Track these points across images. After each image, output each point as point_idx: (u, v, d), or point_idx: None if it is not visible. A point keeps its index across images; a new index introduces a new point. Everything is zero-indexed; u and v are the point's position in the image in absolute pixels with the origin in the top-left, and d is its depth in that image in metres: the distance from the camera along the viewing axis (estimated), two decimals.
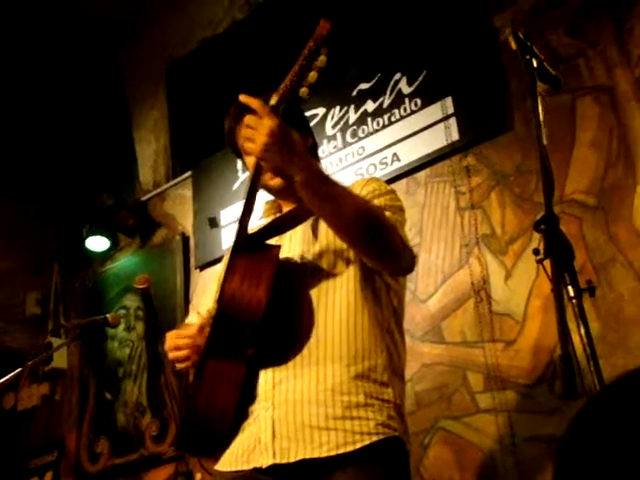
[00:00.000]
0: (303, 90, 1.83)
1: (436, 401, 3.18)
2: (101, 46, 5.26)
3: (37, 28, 4.98)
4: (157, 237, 4.84)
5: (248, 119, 1.73)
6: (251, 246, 1.87)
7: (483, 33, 3.55)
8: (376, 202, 1.94)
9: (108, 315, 3.05)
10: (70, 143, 5.38)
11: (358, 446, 1.73)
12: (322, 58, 1.81)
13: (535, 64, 1.81)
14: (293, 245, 1.96)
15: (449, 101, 3.55)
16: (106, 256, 5.01)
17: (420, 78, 3.71)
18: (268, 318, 1.77)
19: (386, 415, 1.81)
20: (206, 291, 2.36)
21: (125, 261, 4.90)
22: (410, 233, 3.44)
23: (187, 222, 4.65)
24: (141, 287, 2.85)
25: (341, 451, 1.72)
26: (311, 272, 1.92)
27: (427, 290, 3.39)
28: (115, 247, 4.95)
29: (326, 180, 1.79)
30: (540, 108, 1.72)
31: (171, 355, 1.93)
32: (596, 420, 0.91)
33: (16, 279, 5.26)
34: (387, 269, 1.95)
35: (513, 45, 1.83)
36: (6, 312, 5.14)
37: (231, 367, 1.83)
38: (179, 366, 1.95)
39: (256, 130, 1.70)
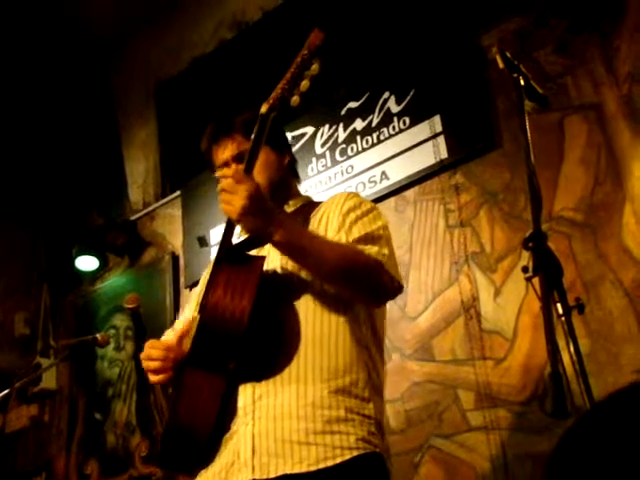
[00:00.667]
0: (294, 99, 1.84)
1: (427, 419, 3.17)
2: (91, 65, 5.27)
3: (27, 48, 4.99)
4: (146, 256, 4.82)
5: (224, 183, 1.73)
6: (234, 258, 1.86)
7: (471, 52, 3.57)
8: (357, 231, 1.93)
9: (97, 335, 3.05)
10: (59, 162, 5.37)
11: (338, 461, 1.72)
12: (315, 67, 1.82)
13: (522, 82, 1.82)
14: (272, 257, 1.95)
15: (437, 119, 3.56)
16: (95, 276, 5.00)
17: (408, 97, 3.73)
18: (250, 330, 1.75)
19: (366, 430, 1.80)
20: (186, 306, 2.35)
21: (114, 281, 4.89)
22: (400, 251, 3.44)
23: (176, 241, 4.64)
24: (130, 307, 2.83)
25: (321, 466, 1.71)
26: (291, 284, 1.92)
27: (417, 308, 3.38)
28: (104, 267, 4.93)
29: (302, 236, 1.81)
30: (528, 126, 1.73)
31: (144, 364, 1.92)
32: (585, 438, 0.91)
33: (5, 299, 5.22)
34: (373, 306, 1.98)
35: (500, 64, 1.84)
36: None
37: (212, 380, 1.80)
38: (151, 378, 1.92)
39: (234, 194, 1.71)
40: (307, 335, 1.86)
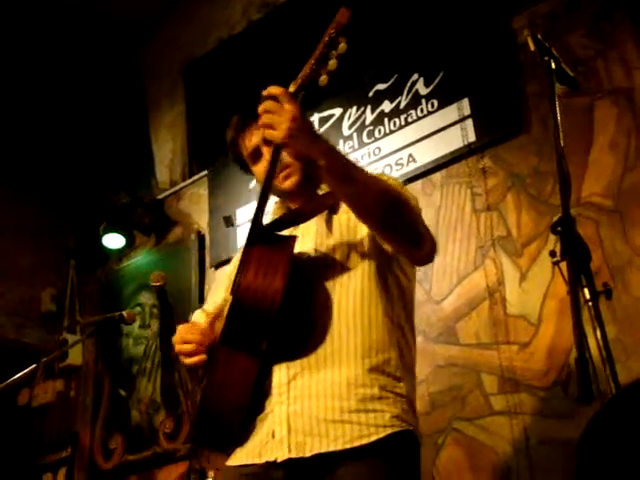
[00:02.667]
0: (323, 78, 1.83)
1: (450, 402, 3.18)
2: (120, 46, 5.28)
3: (58, 29, 5.01)
4: (173, 235, 4.85)
5: (268, 104, 1.71)
6: (266, 238, 1.86)
7: (501, 34, 3.54)
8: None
9: (124, 312, 3.07)
10: (88, 142, 5.41)
11: (373, 439, 1.73)
12: (342, 45, 1.81)
13: (553, 65, 1.81)
14: (306, 238, 1.96)
15: (466, 102, 3.54)
16: (122, 254, 5.04)
17: (437, 79, 3.70)
18: (283, 310, 1.76)
19: (400, 408, 1.81)
20: (218, 287, 2.35)
21: (141, 259, 4.93)
22: None
23: (203, 221, 4.66)
24: (156, 285, 2.85)
25: (356, 444, 1.73)
26: (324, 265, 1.92)
27: (442, 291, 3.38)
28: (131, 245, 4.97)
29: (348, 163, 1.79)
30: (558, 109, 1.72)
31: (178, 348, 1.93)
32: (613, 423, 0.91)
33: (33, 276, 5.29)
34: (410, 252, 1.94)
35: (532, 46, 1.82)
36: (22, 308, 5.17)
37: (245, 360, 1.81)
38: (185, 360, 1.93)
39: (277, 115, 1.69)
40: (340, 314, 1.86)
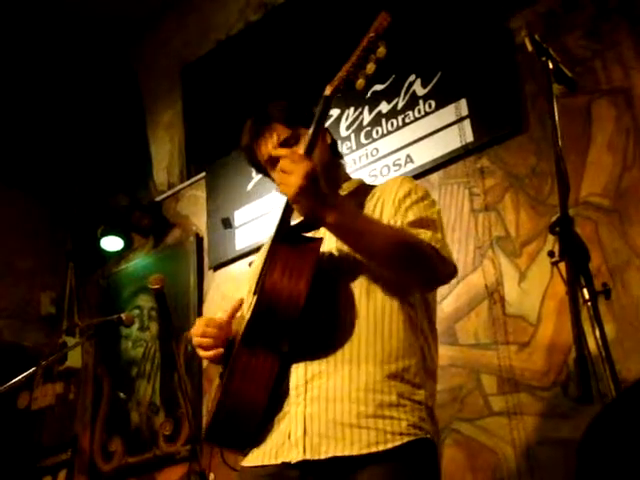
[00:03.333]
0: (360, 82, 1.84)
1: (449, 403, 3.17)
2: (117, 46, 5.29)
3: (54, 29, 5.01)
4: (171, 237, 4.85)
5: (283, 163, 1.74)
6: (291, 239, 1.87)
7: (498, 35, 3.55)
8: (412, 215, 1.92)
9: (122, 315, 3.06)
10: (85, 143, 5.40)
11: (389, 446, 1.73)
12: (381, 50, 1.81)
13: (551, 66, 1.80)
14: (328, 239, 1.94)
15: (463, 103, 3.54)
16: (120, 256, 5.04)
17: (434, 80, 3.71)
18: (306, 312, 1.76)
19: (417, 417, 1.80)
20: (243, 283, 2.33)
21: (139, 261, 4.92)
22: None
23: (201, 223, 4.66)
24: (155, 287, 2.85)
25: (372, 450, 1.72)
26: (347, 266, 1.92)
27: (441, 292, 3.36)
28: (129, 247, 4.97)
29: (357, 218, 1.81)
30: (556, 110, 1.72)
31: (196, 340, 1.94)
32: (614, 424, 0.90)
33: (32, 278, 5.28)
34: (427, 290, 1.99)
35: (529, 47, 1.82)
36: (22, 311, 5.17)
37: (265, 359, 1.82)
38: (202, 353, 1.95)
39: (291, 174, 1.71)
40: (361, 318, 1.86)
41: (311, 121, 2.03)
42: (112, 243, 4.88)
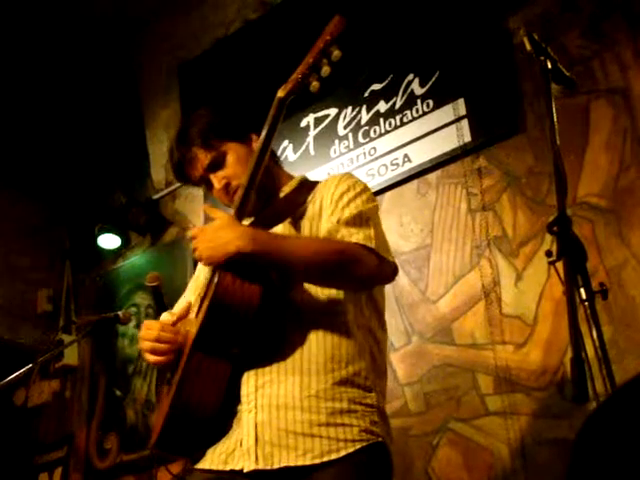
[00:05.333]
0: (314, 84, 1.83)
1: (445, 402, 3.18)
2: (114, 45, 5.27)
3: (52, 27, 5.00)
4: (168, 235, 4.84)
5: (192, 232, 1.84)
6: None
7: (496, 34, 3.54)
8: (348, 212, 1.91)
9: (119, 312, 3.06)
10: (83, 141, 5.39)
11: (342, 454, 1.72)
12: (337, 53, 1.81)
13: (549, 65, 1.81)
14: None
15: (461, 102, 3.54)
16: (117, 254, 5.03)
17: (433, 79, 3.70)
18: (258, 316, 1.75)
19: (369, 421, 1.80)
20: (186, 290, 2.35)
21: (136, 259, 4.92)
22: (421, 234, 3.44)
23: (198, 221, 4.65)
24: (152, 285, 2.84)
25: (325, 459, 1.72)
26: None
27: (438, 291, 3.38)
28: (126, 245, 4.96)
29: (270, 240, 1.80)
30: (554, 110, 1.72)
31: (148, 345, 1.89)
32: (609, 422, 0.90)
33: (28, 276, 5.28)
34: (364, 291, 1.96)
35: (528, 46, 1.83)
36: (18, 308, 5.16)
37: (217, 364, 1.80)
38: (152, 359, 1.90)
39: (196, 241, 1.80)
40: (310, 324, 1.85)
41: (237, 132, 2.06)
42: (109, 241, 4.87)
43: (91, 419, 4.69)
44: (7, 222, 5.25)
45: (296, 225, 1.98)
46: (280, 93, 1.84)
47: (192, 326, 1.89)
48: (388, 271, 1.92)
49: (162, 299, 2.94)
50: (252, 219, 2.04)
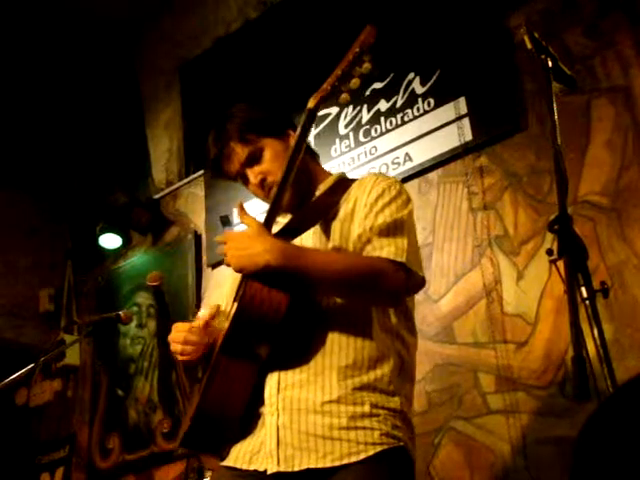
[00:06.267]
0: (344, 96, 1.83)
1: (447, 401, 3.18)
2: (115, 45, 5.28)
3: (53, 27, 5.00)
4: (169, 235, 4.85)
5: (223, 237, 1.83)
6: None
7: (497, 33, 3.54)
8: (382, 219, 1.90)
9: (120, 312, 3.07)
10: (84, 141, 5.40)
11: (362, 457, 1.73)
12: (367, 65, 1.79)
13: (550, 64, 1.80)
14: (305, 244, 1.94)
15: (462, 101, 3.54)
16: (119, 254, 5.04)
17: (434, 78, 3.70)
18: (286, 321, 1.76)
19: (391, 425, 1.79)
20: (220, 287, 2.35)
21: (137, 259, 4.92)
22: (423, 233, 3.44)
23: (199, 220, 4.65)
24: (153, 284, 2.86)
25: (345, 462, 1.72)
26: None
27: (439, 290, 3.38)
28: (128, 245, 4.97)
29: (298, 255, 1.79)
30: (555, 108, 1.72)
31: (177, 347, 1.93)
32: (611, 421, 0.90)
33: (30, 276, 5.28)
34: (392, 307, 1.95)
35: (528, 44, 1.82)
36: (20, 308, 5.16)
37: (244, 367, 1.82)
38: (180, 358, 1.94)
39: (227, 249, 1.79)
40: (333, 328, 1.85)
41: (275, 128, 2.05)
42: (110, 241, 4.88)
43: (93, 419, 4.70)
44: (9, 222, 5.26)
45: (327, 227, 1.97)
46: (310, 104, 1.84)
47: (222, 328, 1.91)
48: (415, 285, 1.92)
49: (163, 298, 2.95)
50: (287, 216, 2.05)
